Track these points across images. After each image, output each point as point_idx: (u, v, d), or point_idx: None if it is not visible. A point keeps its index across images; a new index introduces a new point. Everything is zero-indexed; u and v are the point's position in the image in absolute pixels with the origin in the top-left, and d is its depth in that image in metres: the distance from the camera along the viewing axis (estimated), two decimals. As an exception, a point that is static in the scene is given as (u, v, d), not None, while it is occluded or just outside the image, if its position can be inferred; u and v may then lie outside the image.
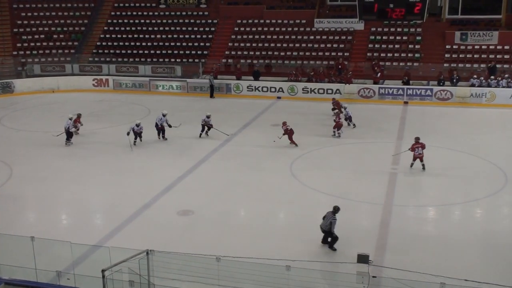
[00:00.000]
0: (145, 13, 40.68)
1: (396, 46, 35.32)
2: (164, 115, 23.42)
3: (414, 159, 19.28)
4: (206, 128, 24.02)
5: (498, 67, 32.11)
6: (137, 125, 22.63)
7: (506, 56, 33.12)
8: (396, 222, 15.25)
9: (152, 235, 14.36)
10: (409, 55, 34.58)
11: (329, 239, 13.41)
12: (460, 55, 33.90)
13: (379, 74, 32.48)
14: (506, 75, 30.89)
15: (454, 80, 31.43)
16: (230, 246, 13.35)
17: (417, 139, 19.49)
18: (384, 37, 35.94)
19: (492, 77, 31.03)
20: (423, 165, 19.18)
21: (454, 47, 34.39)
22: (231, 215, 16.07)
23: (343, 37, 36.50)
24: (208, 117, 24.07)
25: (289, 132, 22.18)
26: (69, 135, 22.83)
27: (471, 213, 16.38)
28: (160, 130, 23.40)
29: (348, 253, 12.66)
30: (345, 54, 35.36)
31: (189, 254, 10.85)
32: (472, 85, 30.66)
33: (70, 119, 23.03)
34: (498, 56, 33.19)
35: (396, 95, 31.10)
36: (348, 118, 25.12)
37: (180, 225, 15.28)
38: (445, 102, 30.08)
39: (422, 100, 30.53)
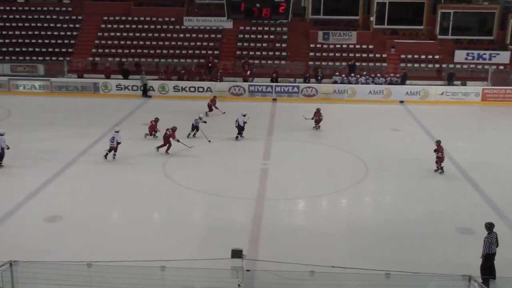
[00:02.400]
0: (1, 8, 37.97)
1: (264, 44, 36.32)
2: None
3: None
4: (195, 129, 23.46)
5: (357, 65, 34.26)
6: (117, 132, 20.28)
7: (364, 55, 35.43)
8: (268, 216, 15.71)
9: (17, 244, 13.50)
10: (277, 53, 35.74)
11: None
12: (323, 54, 35.69)
13: (248, 72, 33.21)
14: (364, 73, 33.06)
15: (319, 78, 33.03)
16: (103, 251, 12.94)
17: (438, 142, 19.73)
18: (252, 36, 36.80)
19: (352, 74, 33.03)
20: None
21: (318, 46, 36.12)
22: (103, 218, 15.57)
23: (213, 36, 36.80)
24: (200, 118, 23.70)
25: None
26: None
27: (337, 203, 17.34)
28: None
29: (223, 249, 12.82)
30: (215, 52, 35.68)
31: (58, 262, 10.36)
32: (335, 82, 32.42)
33: (2, 134, 19.24)
34: (357, 55, 35.40)
35: (265, 92, 32.01)
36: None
37: (48, 232, 14.51)
38: (311, 99, 31.49)
39: (290, 97, 31.71)
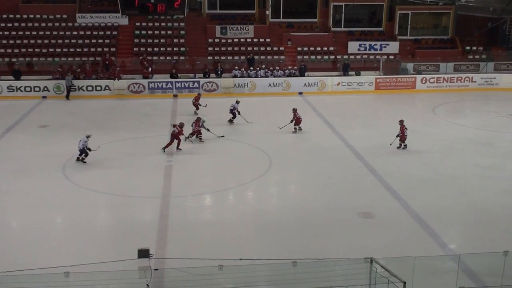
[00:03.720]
0: None
1: (162, 40, 35.81)
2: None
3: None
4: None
5: (256, 58, 34.69)
6: (88, 137, 19.58)
7: (262, 48, 35.94)
8: (175, 213, 15.57)
9: None
10: (175, 49, 35.35)
11: None
12: (222, 48, 35.79)
13: (150, 69, 32.62)
14: (263, 66, 33.57)
15: (219, 72, 33.10)
16: (1, 261, 12.22)
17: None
18: (149, 32, 36.15)
19: (252, 68, 33.42)
20: None
21: (216, 40, 36.17)
22: (-2, 228, 14.71)
23: (108, 32, 35.73)
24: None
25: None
26: None
27: (242, 196, 17.50)
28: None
29: (130, 250, 12.53)
30: (112, 49, 34.66)
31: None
32: (235, 76, 32.65)
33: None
34: (255, 48, 35.83)
35: (165, 88, 31.60)
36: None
37: None
38: (212, 93, 31.52)
39: (191, 92, 31.45)
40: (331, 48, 36.37)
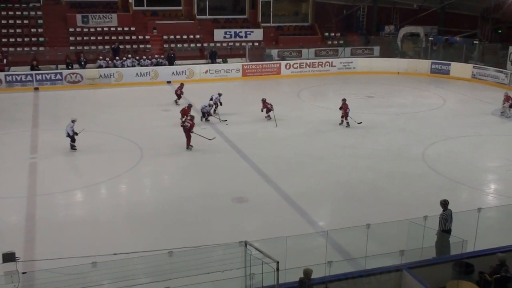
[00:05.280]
0: None
1: (18, 30, 33.58)
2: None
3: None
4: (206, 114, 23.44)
5: (121, 47, 33.78)
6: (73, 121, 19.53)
7: (127, 37, 35.07)
8: (43, 212, 14.80)
9: None
10: (33, 39, 33.37)
11: None
12: (85, 38, 34.41)
13: (5, 61, 30.44)
14: (130, 55, 32.78)
15: (82, 63, 31.79)
16: None
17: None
18: (3, 22, 33.70)
19: (117, 57, 32.50)
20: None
21: (78, 29, 34.68)
22: None
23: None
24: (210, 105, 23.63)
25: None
26: None
27: (115, 189, 17.02)
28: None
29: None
30: (-41, 40, 31.94)
31: None
32: (100, 67, 31.57)
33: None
34: (120, 38, 34.87)
35: (25, 81, 29.74)
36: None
37: None
38: (76, 85, 30.24)
39: (54, 85, 30.00)
40: (198, 36, 36.43)
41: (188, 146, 20.09)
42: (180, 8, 38.32)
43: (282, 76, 34.64)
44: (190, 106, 22.54)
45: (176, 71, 32.39)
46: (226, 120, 23.60)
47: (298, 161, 19.13)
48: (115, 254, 9.55)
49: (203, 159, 19.35)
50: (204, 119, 23.62)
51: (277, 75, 34.65)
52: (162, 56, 33.75)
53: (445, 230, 12.04)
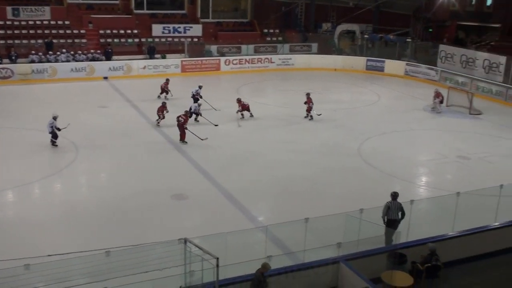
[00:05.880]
0: None
1: None
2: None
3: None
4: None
5: (55, 42, 32.75)
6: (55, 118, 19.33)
7: (61, 31, 34.03)
8: (-29, 214, 14.20)
9: None
10: (-40, 32, 31.85)
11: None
12: (15, 31, 33.09)
13: None
14: (64, 50, 31.83)
15: (13, 58, 30.61)
16: None
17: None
18: None
19: (51, 52, 31.50)
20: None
21: (8, 23, 33.30)
22: None
23: None
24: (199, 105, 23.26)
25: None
26: None
27: (50, 188, 16.51)
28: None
29: None
30: None
31: None
32: (32, 61, 30.50)
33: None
34: (53, 31, 33.78)
35: (-49, 77, 28.37)
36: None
37: None
38: (7, 81, 29.10)
39: (-18, 80, 28.79)
40: (135, 31, 35.81)
41: (183, 140, 20.30)
42: (117, 2, 37.53)
43: (221, 72, 34.61)
44: (164, 104, 22.67)
45: (113, 67, 31.74)
46: (217, 125, 22.82)
47: (238, 157, 19.19)
48: (49, 255, 9.27)
49: (141, 156, 19.08)
50: (194, 119, 22.96)
51: (217, 71, 34.59)
52: (99, 51, 32.97)
53: (389, 219, 12.60)
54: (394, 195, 12.79)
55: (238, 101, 23.92)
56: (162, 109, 22.44)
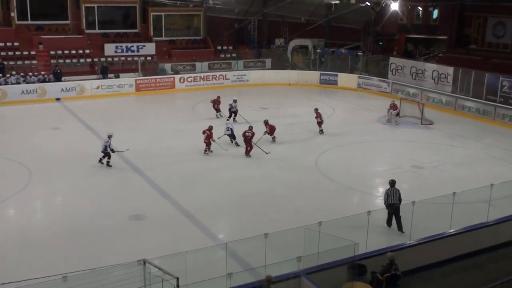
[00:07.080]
0: None
1: None
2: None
3: None
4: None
5: (5, 63, 31.98)
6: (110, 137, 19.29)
7: (10, 53, 33.29)
8: None
9: None
10: None
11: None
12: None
13: None
14: (14, 72, 31.10)
15: (-39, 81, 29.74)
16: None
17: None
18: None
19: (1, 75, 30.74)
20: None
21: (-46, 45, 32.39)
22: None
23: None
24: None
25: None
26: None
27: (1, 214, 15.96)
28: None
29: None
30: None
31: None
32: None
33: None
34: (2, 53, 33.01)
35: None
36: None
37: None
38: (-45, 105, 28.22)
39: None
40: (87, 51, 35.35)
41: (248, 154, 21.00)
42: (68, 22, 36.97)
43: (176, 90, 34.46)
44: (210, 128, 21.42)
45: (66, 88, 31.17)
46: (239, 145, 22.27)
47: (196, 175, 19.10)
48: (3, 283, 9.00)
49: (97, 178, 18.76)
50: (234, 141, 22.45)
51: (172, 89, 34.42)
52: (47, 72, 32.34)
53: (390, 204, 14.31)
54: (392, 183, 14.49)
55: (266, 123, 22.93)
56: (211, 135, 21.20)
